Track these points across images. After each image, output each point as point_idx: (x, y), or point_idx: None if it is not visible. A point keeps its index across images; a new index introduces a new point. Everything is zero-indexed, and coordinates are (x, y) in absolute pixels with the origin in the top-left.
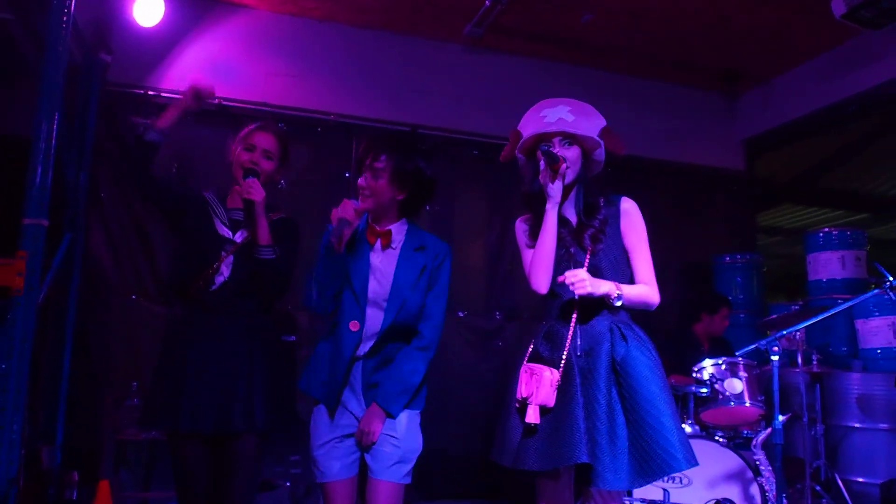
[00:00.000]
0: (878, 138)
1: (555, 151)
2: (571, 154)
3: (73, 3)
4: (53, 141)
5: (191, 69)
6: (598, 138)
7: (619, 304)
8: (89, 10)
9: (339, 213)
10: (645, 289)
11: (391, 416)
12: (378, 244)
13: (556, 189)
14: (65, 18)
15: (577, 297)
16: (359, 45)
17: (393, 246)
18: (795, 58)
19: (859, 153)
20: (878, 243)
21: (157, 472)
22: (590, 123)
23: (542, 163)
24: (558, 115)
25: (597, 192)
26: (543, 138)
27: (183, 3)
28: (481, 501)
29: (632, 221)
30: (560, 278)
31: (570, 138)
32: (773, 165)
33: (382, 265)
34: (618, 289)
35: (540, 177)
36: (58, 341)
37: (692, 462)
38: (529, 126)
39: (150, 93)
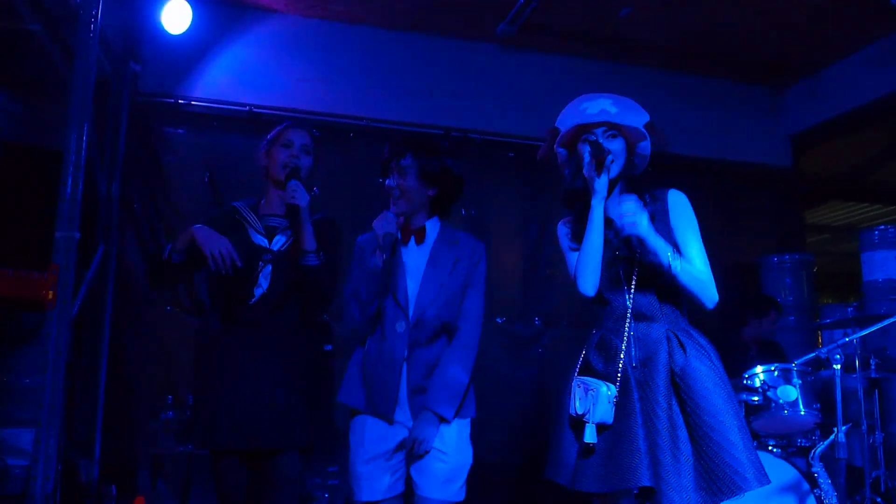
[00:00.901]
0: None
1: (592, 140)
2: (616, 146)
3: (100, 14)
4: (83, 152)
5: (220, 76)
6: (643, 129)
7: (675, 264)
8: (117, 19)
9: (384, 227)
10: (703, 275)
11: (445, 419)
12: (412, 241)
13: (602, 183)
14: (92, 28)
15: (626, 234)
16: (389, 47)
17: (427, 242)
18: (845, 47)
19: None
20: None
21: (196, 486)
22: (634, 115)
23: (586, 155)
24: (600, 106)
25: (642, 187)
26: (585, 129)
27: (211, 10)
28: None
29: (681, 213)
30: (618, 216)
31: (615, 128)
32: (822, 160)
33: (416, 261)
34: (676, 255)
35: (584, 170)
36: (93, 354)
37: (763, 480)
38: (569, 119)
39: (181, 101)
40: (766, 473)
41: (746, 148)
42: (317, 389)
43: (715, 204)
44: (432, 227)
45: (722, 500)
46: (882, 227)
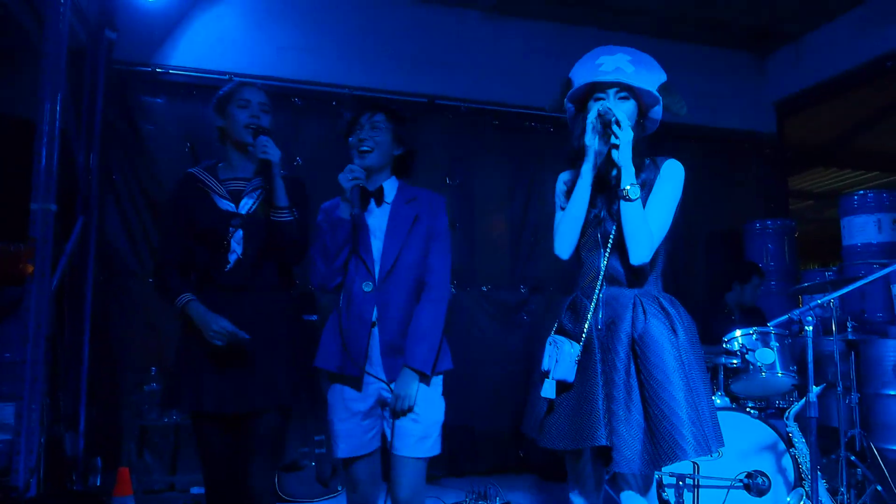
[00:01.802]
0: None
1: (609, 107)
2: (626, 108)
3: None
4: (58, 122)
5: (200, 44)
6: (657, 93)
7: (632, 192)
8: None
9: (350, 178)
10: (645, 230)
11: (426, 376)
12: (372, 203)
13: (593, 153)
14: None
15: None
16: (373, 15)
17: (387, 201)
18: (828, 12)
19: None
20: None
21: (183, 455)
22: (650, 76)
23: (589, 123)
24: (616, 63)
25: (644, 152)
26: (597, 87)
27: None
28: (508, 476)
29: (666, 179)
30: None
31: (627, 90)
32: (806, 127)
33: (378, 222)
34: (636, 184)
35: (585, 137)
36: (76, 327)
37: (704, 449)
38: (582, 74)
39: (159, 70)
40: (716, 439)
41: (731, 114)
42: (298, 352)
43: (700, 170)
44: (391, 187)
45: (663, 466)
46: (861, 192)
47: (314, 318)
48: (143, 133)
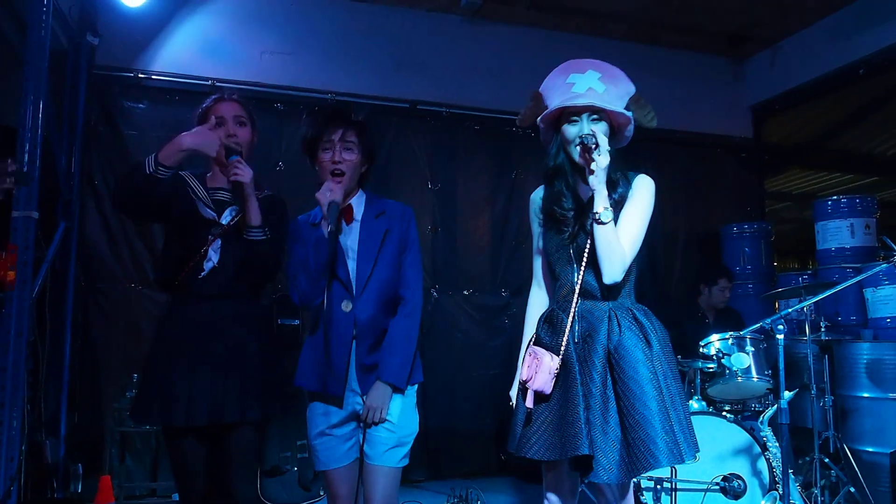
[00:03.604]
0: (892, 98)
1: (590, 133)
2: (600, 129)
3: None
4: (40, 130)
5: (182, 49)
6: (628, 114)
7: (604, 215)
8: None
9: (329, 197)
10: (618, 248)
11: (399, 389)
12: (342, 223)
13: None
14: (45, 1)
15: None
16: (355, 19)
17: (356, 218)
18: (804, 18)
19: (870, 115)
20: (890, 206)
21: (164, 461)
22: (621, 92)
23: (574, 149)
24: (588, 83)
25: (618, 166)
26: (570, 109)
27: None
28: (490, 478)
29: (637, 194)
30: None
31: (599, 112)
32: (783, 130)
33: (350, 240)
34: (609, 208)
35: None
36: (57, 332)
37: (677, 458)
38: (555, 94)
39: (141, 75)
40: (689, 447)
41: (709, 119)
42: (273, 363)
43: (678, 174)
44: (358, 203)
45: (638, 474)
46: (835, 197)
47: (296, 322)
48: (125, 138)
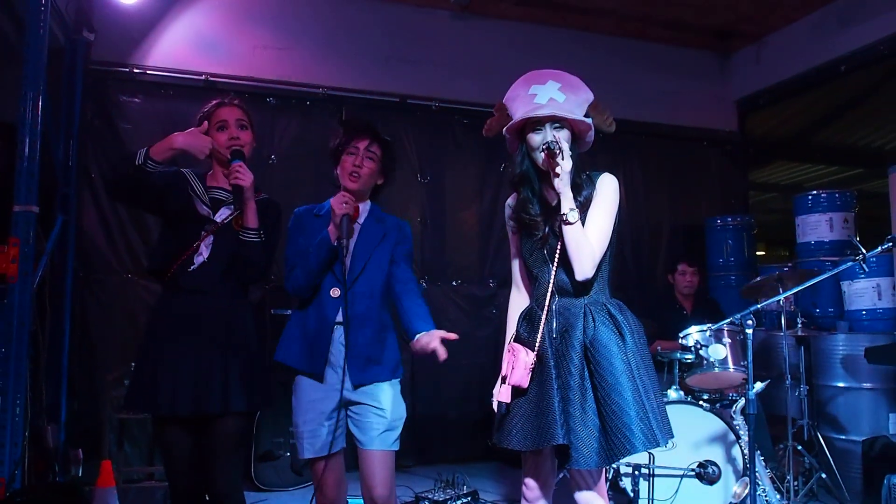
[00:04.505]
0: (873, 93)
1: (555, 140)
2: (562, 137)
3: None
4: (39, 126)
5: (176, 45)
6: (588, 120)
7: (571, 216)
8: None
9: (344, 209)
10: (587, 246)
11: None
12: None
13: (563, 183)
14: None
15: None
16: (346, 15)
17: (358, 222)
18: (789, 14)
19: (854, 109)
20: (872, 196)
21: None
22: (580, 100)
23: (541, 155)
24: (549, 93)
25: (581, 168)
26: (533, 120)
27: None
28: (476, 464)
29: (602, 193)
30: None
31: (561, 121)
32: (767, 123)
33: (350, 240)
34: (575, 209)
35: (545, 166)
36: (57, 322)
37: (653, 442)
38: (518, 105)
39: (136, 70)
40: (664, 433)
41: (694, 113)
42: (259, 355)
43: (664, 168)
44: (364, 210)
45: (617, 460)
46: (814, 192)
47: (288, 311)
48: (120, 132)
